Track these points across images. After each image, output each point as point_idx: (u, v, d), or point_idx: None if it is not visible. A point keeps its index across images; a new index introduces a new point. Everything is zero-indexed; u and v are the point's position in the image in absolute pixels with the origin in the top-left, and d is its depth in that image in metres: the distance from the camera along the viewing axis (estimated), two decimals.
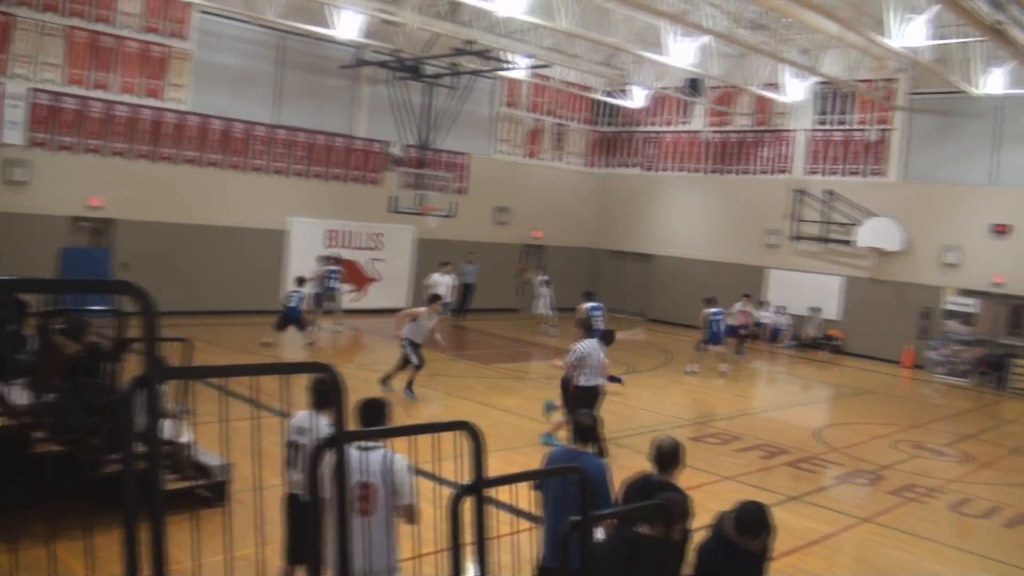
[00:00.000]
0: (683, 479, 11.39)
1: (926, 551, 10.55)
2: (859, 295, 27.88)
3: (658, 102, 32.70)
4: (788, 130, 29.95)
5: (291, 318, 20.43)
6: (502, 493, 4.24)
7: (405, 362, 15.94)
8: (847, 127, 28.70)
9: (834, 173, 28.90)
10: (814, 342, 28.44)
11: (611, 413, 15.43)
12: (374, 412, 6.02)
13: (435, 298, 17.10)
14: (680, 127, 32.78)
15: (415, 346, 15.91)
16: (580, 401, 12.48)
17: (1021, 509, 12.65)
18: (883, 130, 27.87)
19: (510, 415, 15.30)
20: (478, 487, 3.95)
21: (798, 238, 29.41)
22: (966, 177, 26.23)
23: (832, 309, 28.56)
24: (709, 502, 5.84)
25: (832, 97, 28.93)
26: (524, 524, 6.32)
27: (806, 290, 28.88)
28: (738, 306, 26.60)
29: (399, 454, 5.65)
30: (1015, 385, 23.94)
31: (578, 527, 4.65)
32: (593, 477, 5.83)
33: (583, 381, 12.79)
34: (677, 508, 5.32)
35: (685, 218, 32.40)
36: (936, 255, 26.47)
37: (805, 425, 17.41)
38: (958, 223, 26.11)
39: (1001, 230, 25.33)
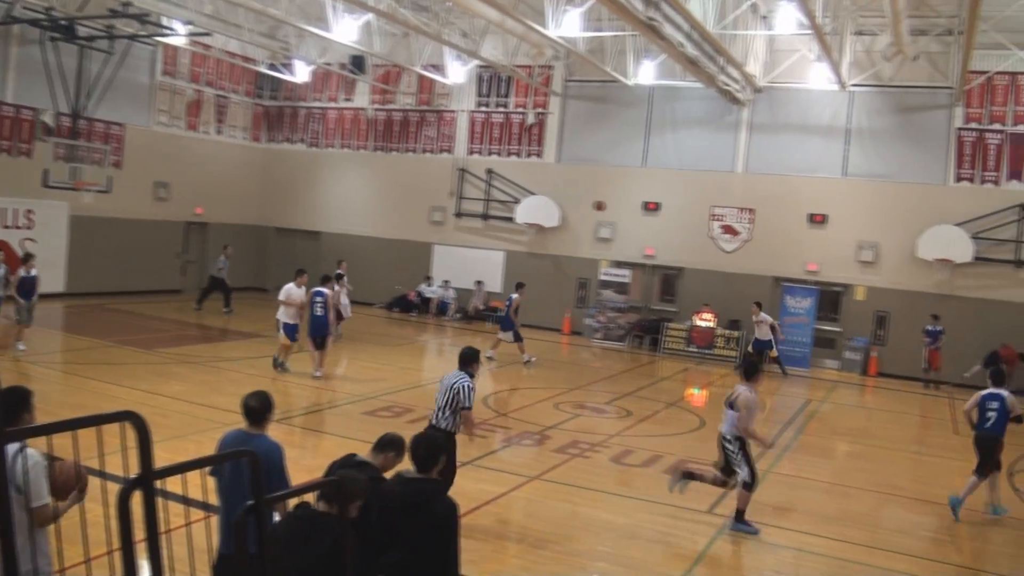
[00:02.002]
0: (356, 451, 11.47)
1: (592, 500, 11.35)
2: (520, 268, 29.17)
3: (322, 78, 32.45)
4: (451, 111, 30.77)
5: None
6: (173, 484, 4.12)
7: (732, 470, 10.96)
8: (507, 110, 29.92)
9: (495, 153, 30.08)
10: (479, 314, 29.49)
11: (281, 393, 15.34)
12: (9, 402, 5.50)
13: (752, 371, 11.08)
14: (344, 104, 32.75)
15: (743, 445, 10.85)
16: None
17: (680, 456, 13.83)
18: (540, 114, 29.34)
19: (178, 402, 14.76)
20: (147, 479, 3.83)
21: (462, 215, 30.35)
22: (620, 159, 28.29)
23: (495, 282, 29.76)
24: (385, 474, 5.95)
25: (493, 80, 30.02)
26: (197, 514, 6.17)
27: (470, 264, 29.92)
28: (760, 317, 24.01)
29: (32, 449, 5.26)
30: (668, 346, 26.21)
31: (253, 511, 4.62)
32: (267, 459, 5.79)
33: None
34: (353, 485, 5.38)
35: (352, 195, 32.46)
36: (591, 230, 28.37)
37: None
38: (612, 201, 28.09)
39: (652, 207, 27.50)
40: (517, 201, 29.21)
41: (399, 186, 31.51)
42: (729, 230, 26.95)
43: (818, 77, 24.72)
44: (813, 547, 10.35)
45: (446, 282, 30.20)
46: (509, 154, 29.94)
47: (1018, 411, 12.02)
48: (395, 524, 5.53)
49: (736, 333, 25.85)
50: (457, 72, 28.57)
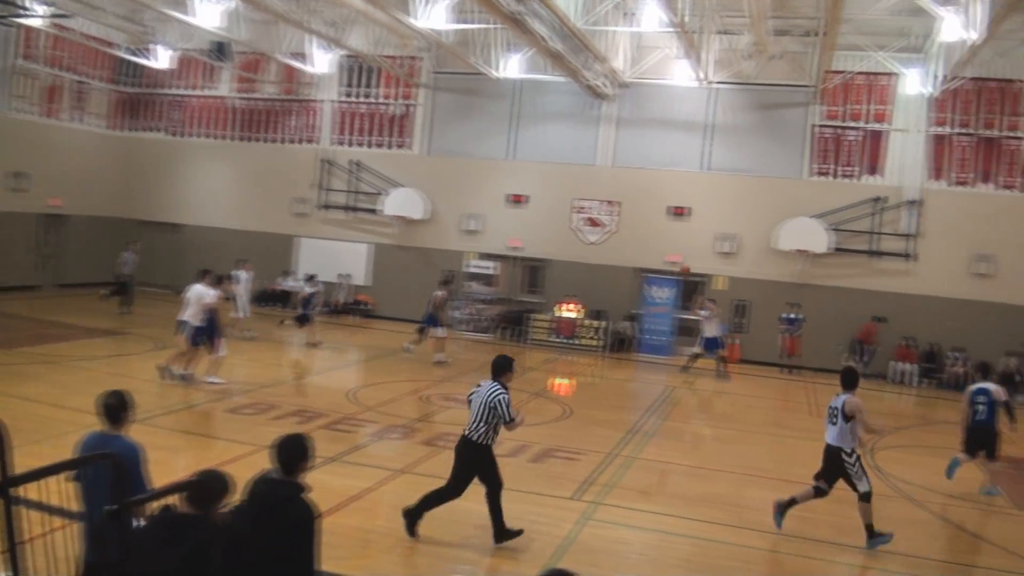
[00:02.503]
0: (220, 451, 11.31)
1: None
2: (386, 261, 29.16)
3: (184, 64, 31.57)
4: (315, 100, 30.37)
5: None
6: (32, 491, 4.01)
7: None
8: (373, 101, 29.71)
9: (361, 144, 29.86)
10: (345, 308, 29.28)
11: (140, 392, 14.95)
12: None
13: (854, 380, 11.04)
14: (207, 91, 31.99)
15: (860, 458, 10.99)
16: None
17: (545, 445, 14.14)
18: (407, 105, 29.25)
19: (36, 404, 14.20)
20: (4, 487, 3.72)
21: (327, 207, 30.05)
22: (487, 152, 28.47)
23: (360, 275, 29.60)
24: (247, 473, 5.88)
25: (359, 70, 29.77)
26: (57, 522, 6.00)
27: (335, 257, 29.63)
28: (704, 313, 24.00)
29: None
30: (534, 337, 26.55)
31: (115, 516, 4.53)
32: (128, 461, 5.68)
33: None
34: (215, 485, 5.32)
35: (214, 186, 31.75)
36: (458, 223, 28.45)
37: (339, 388, 17.94)
38: (479, 194, 28.30)
39: (517, 200, 27.79)
40: (384, 193, 29.05)
41: (262, 177, 30.93)
42: (593, 222, 27.42)
43: (681, 74, 25.33)
44: (678, 529, 10.69)
45: (311, 276, 29.64)
46: (375, 145, 29.75)
47: (1003, 399, 13.20)
48: (253, 525, 5.49)
49: (600, 323, 26.34)
50: (322, 61, 28.23)
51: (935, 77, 24.60)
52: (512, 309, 27.68)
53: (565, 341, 26.33)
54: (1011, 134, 24.91)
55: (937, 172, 25.41)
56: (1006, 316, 24.50)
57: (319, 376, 19.99)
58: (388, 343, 23.99)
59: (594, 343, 26.16)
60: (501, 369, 9.87)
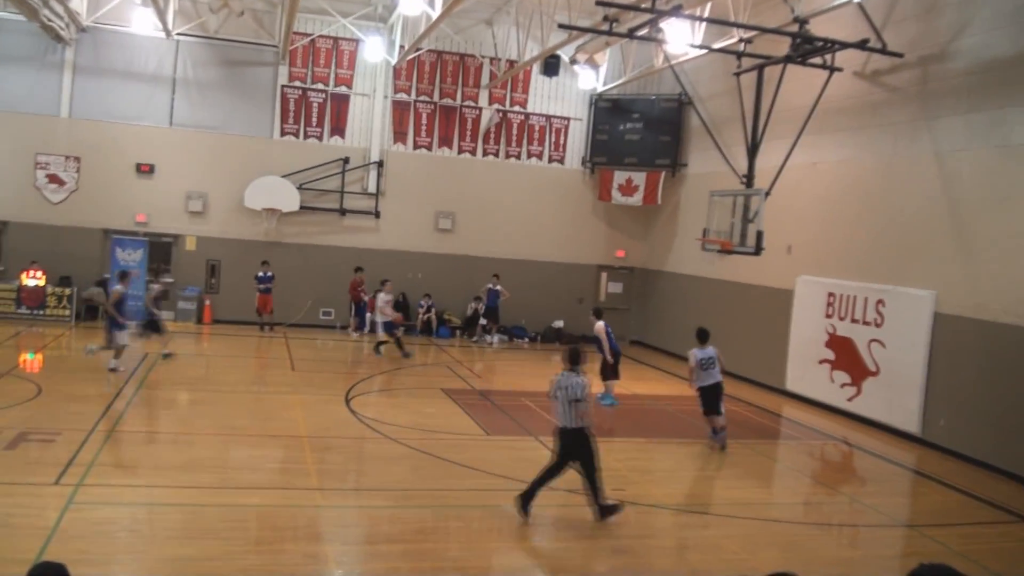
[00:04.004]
0: None
1: None
2: None
3: None
4: None
5: None
6: None
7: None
8: None
9: None
10: None
11: None
12: None
13: (578, 358, 11.42)
14: None
15: None
16: None
17: (18, 428, 13.05)
18: None
19: None
20: None
21: None
22: None
23: None
24: None
25: None
26: None
27: None
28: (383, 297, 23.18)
29: None
30: None
31: None
32: None
33: None
34: None
35: None
36: None
37: None
38: None
39: None
40: None
41: None
42: (55, 179, 25.56)
43: (144, 22, 24.43)
44: (166, 499, 10.60)
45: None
46: None
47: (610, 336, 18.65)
48: None
49: (67, 290, 24.67)
50: None
51: (397, 47, 26.25)
52: None
53: (31, 312, 24.39)
54: (468, 103, 27.60)
55: (399, 136, 27.26)
56: (466, 266, 27.50)
57: None
58: None
59: (62, 313, 24.51)
60: (578, 358, 10.96)
